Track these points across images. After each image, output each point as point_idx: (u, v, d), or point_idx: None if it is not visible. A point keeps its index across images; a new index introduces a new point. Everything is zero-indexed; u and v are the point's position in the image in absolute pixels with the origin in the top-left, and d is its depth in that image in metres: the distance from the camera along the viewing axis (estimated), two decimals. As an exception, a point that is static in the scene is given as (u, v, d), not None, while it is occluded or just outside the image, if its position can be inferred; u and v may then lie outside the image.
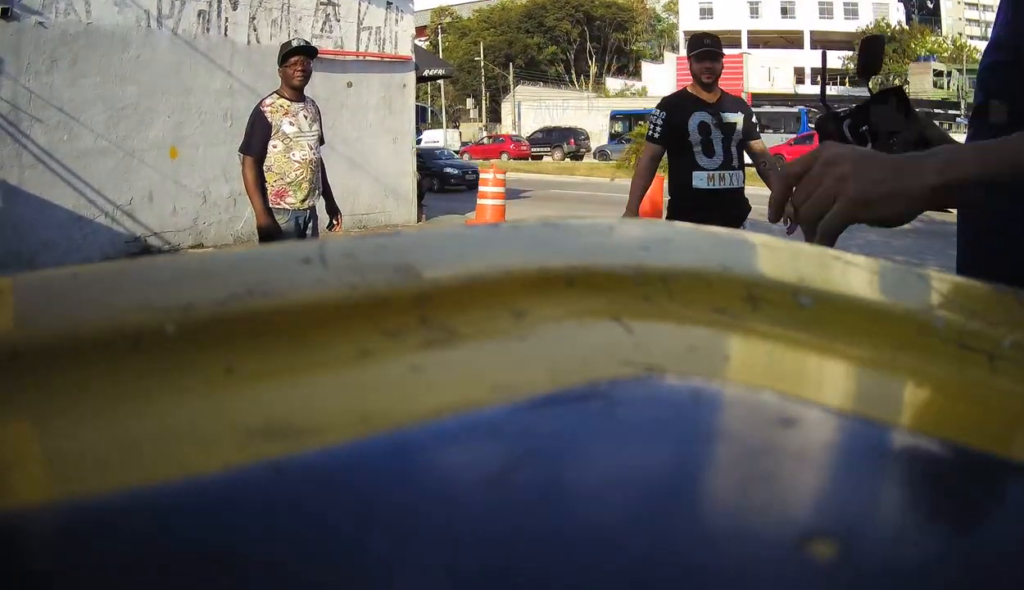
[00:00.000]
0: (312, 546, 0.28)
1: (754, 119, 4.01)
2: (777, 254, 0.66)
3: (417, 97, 11.79)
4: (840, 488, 0.35)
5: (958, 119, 32.88)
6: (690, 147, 3.87)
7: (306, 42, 4.41)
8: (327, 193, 4.58)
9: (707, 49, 3.91)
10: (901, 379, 0.47)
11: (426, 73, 12.39)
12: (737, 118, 3.93)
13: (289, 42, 4.36)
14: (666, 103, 4.04)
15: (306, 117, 4.32)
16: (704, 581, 0.28)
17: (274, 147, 4.21)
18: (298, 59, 4.23)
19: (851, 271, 0.62)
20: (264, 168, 4.21)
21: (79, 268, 0.52)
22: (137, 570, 0.27)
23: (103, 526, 0.29)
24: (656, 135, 3.94)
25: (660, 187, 11.12)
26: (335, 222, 4.64)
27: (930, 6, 46.42)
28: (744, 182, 3.99)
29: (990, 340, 0.48)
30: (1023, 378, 0.46)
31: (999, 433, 0.44)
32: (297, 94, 4.29)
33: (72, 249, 7.39)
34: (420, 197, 10.84)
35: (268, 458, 0.33)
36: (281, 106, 4.24)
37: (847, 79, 43.45)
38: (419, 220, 10.53)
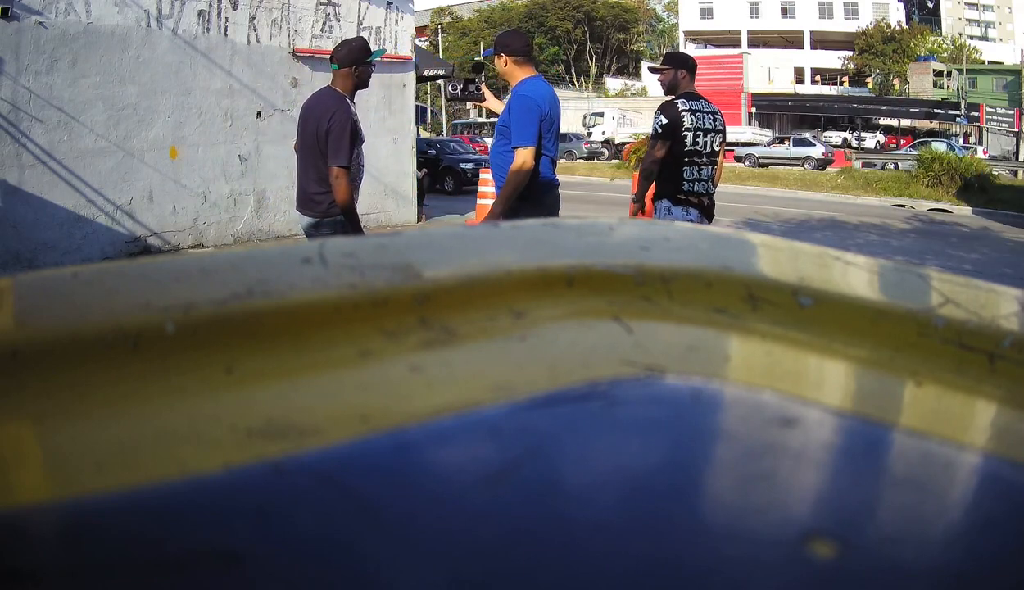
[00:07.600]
0: (312, 546, 0.28)
1: (655, 122, 3.92)
2: (777, 254, 0.66)
3: (417, 97, 11.78)
4: (839, 488, 0.35)
5: (958, 119, 32.82)
6: None
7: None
8: None
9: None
10: (901, 379, 0.47)
11: (426, 73, 12.38)
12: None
13: (368, 41, 4.10)
14: None
15: None
16: (704, 579, 0.28)
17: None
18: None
19: (851, 271, 0.62)
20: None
21: (79, 268, 0.52)
22: (137, 569, 0.27)
23: (103, 526, 0.29)
24: None
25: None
26: None
27: (930, 6, 46.40)
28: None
29: (990, 340, 0.48)
30: (1023, 378, 0.46)
31: (999, 433, 0.44)
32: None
33: (72, 249, 7.38)
34: (420, 197, 10.83)
35: (268, 458, 0.33)
36: (355, 112, 3.63)
37: (846, 78, 43.47)
38: (419, 220, 10.52)
